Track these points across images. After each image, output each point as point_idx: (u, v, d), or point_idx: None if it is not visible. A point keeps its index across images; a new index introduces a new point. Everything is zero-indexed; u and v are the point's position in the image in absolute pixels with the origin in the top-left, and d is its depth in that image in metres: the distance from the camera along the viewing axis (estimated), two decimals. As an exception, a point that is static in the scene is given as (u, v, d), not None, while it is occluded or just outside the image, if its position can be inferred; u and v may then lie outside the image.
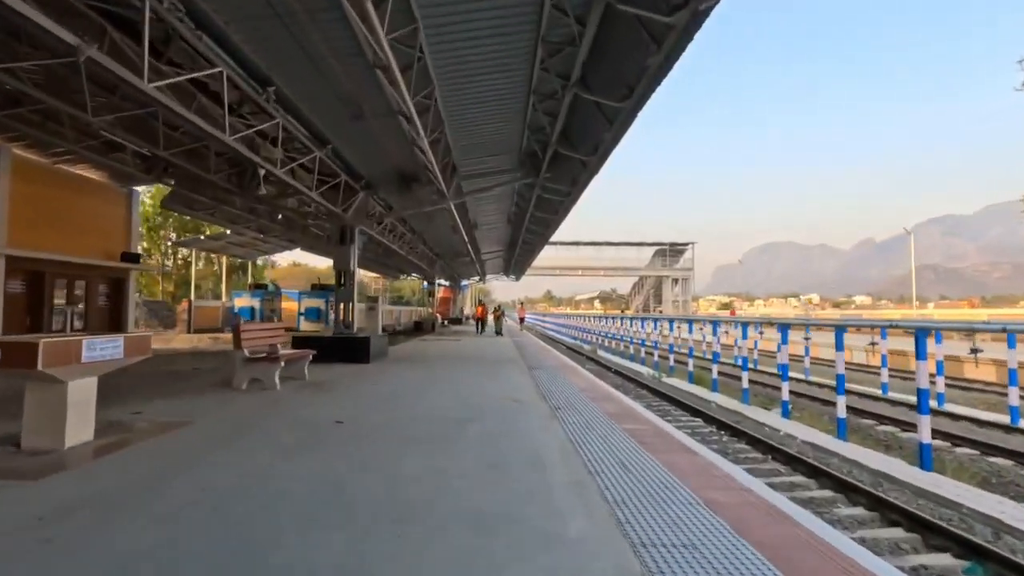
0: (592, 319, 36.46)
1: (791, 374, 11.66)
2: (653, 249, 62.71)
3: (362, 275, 77.52)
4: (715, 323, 17.87)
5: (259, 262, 43.51)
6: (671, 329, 21.76)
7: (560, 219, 17.13)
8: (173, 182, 12.72)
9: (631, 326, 30.26)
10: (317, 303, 19.22)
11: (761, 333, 22.25)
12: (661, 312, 63.10)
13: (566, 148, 10.49)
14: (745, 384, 11.65)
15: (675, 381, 15.63)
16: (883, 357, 12.94)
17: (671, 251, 62.22)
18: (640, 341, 22.93)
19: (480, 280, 45.88)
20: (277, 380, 7.04)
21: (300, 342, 11.07)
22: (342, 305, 11.75)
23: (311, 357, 8.14)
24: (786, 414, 9.83)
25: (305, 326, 19.34)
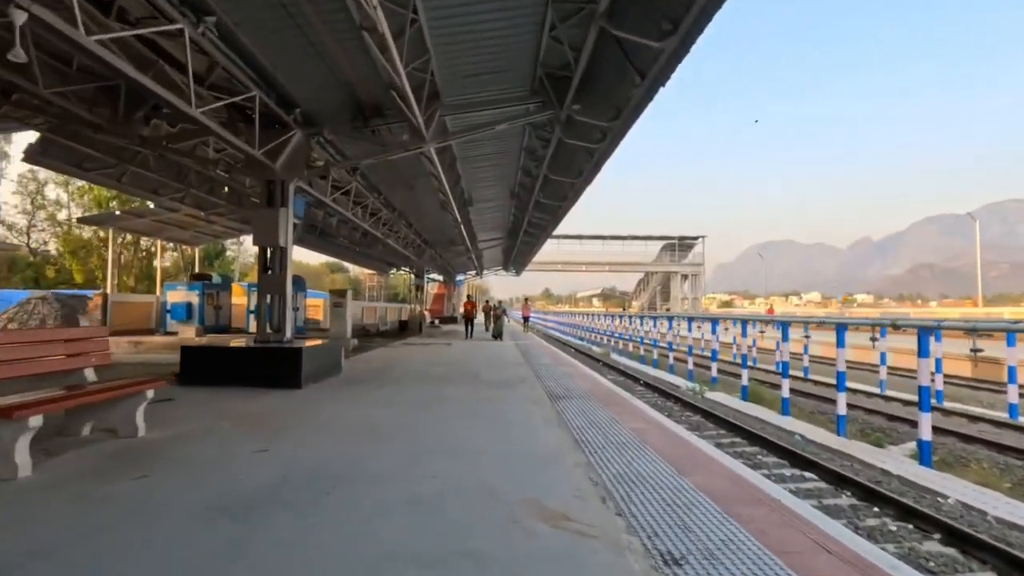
0: (600, 318, 32.76)
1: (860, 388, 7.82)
2: (660, 245, 58.98)
3: (357, 271, 73.01)
4: (745, 322, 14.10)
5: (230, 253, 39.84)
6: (689, 329, 18.20)
7: (580, 187, 13.32)
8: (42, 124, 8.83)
9: (643, 325, 26.57)
10: (188, 298, 14.62)
11: (808, 337, 18.47)
12: (668, 310, 59.45)
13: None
14: (842, 409, 7.92)
15: (722, 397, 11.95)
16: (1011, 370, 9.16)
17: (680, 245, 58.46)
18: (667, 344, 19.33)
19: (477, 275, 42.02)
20: (19, 456, 3.17)
21: (194, 355, 7.21)
22: (269, 300, 7.90)
23: (149, 395, 4.25)
24: (928, 461, 6.14)
25: (176, 329, 14.97)
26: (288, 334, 7.94)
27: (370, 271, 61.27)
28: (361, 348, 14.27)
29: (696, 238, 58.53)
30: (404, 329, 21.58)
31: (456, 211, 15.10)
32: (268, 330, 7.85)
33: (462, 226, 17.05)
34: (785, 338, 10.74)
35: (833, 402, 9.01)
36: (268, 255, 7.84)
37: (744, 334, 13.56)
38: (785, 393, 10.25)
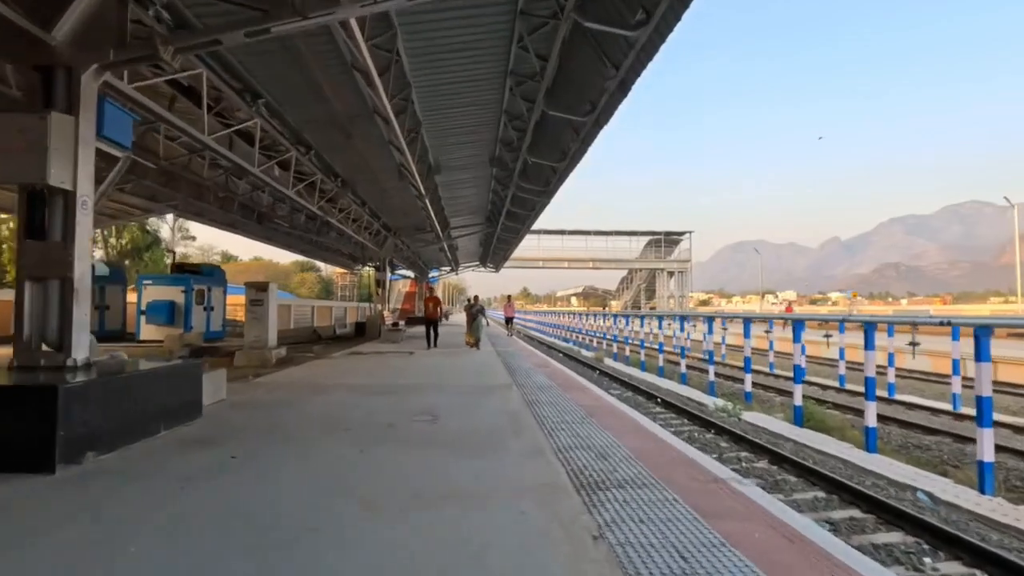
0: (589, 318, 29.40)
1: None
2: (645, 241, 56.04)
3: (331, 271, 67.69)
4: (799, 324, 10.93)
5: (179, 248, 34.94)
6: (710, 331, 15.13)
7: (574, 154, 9.94)
8: None
9: (641, 326, 23.20)
10: (171, 293, 11.16)
11: (828, 337, 15.41)
12: (653, 308, 56.55)
13: None
14: (987, 454, 4.70)
15: (763, 419, 8.73)
16: None
17: (666, 241, 55.59)
18: (678, 349, 16.21)
19: (452, 271, 38.28)
20: None
21: None
22: (32, 291, 4.17)
23: None
24: None
25: (150, 334, 11.39)
26: (81, 353, 4.23)
27: (341, 270, 56.85)
28: (288, 360, 10.56)
29: (683, 233, 55.74)
30: (360, 333, 17.82)
31: (419, 181, 11.49)
32: (37, 346, 4.13)
33: (427, 202, 13.41)
34: (796, 338, 7.46)
35: (922, 429, 5.68)
36: (32, 204, 4.11)
37: (796, 339, 10.26)
38: (871, 422, 7.05)
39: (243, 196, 14.12)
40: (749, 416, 9.89)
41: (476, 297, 13.43)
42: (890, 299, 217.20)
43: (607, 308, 72.59)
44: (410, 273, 37.54)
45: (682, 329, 17.93)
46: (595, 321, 28.64)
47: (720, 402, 11.11)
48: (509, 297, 22.18)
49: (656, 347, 17.79)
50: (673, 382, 14.62)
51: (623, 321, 27.50)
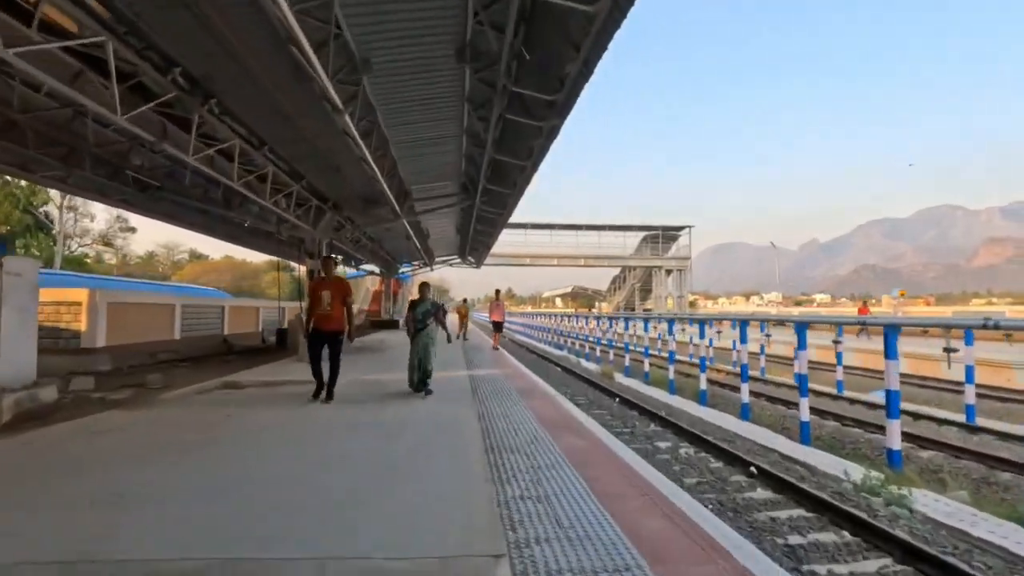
0: (590, 321, 24.52)
1: None
2: (640, 237, 51.36)
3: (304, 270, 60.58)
4: (891, 332, 6.02)
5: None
6: (743, 338, 10.35)
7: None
8: None
9: (646, 331, 18.35)
10: None
11: (951, 352, 10.63)
12: (649, 311, 51.97)
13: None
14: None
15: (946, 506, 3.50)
16: None
17: (664, 236, 50.98)
18: (739, 367, 11.32)
19: (426, 265, 33.01)
20: None
21: None
22: None
23: None
24: None
25: None
26: None
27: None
28: (43, 414, 5.35)
29: (681, 228, 51.18)
30: (282, 344, 12.59)
31: (350, 125, 6.47)
32: None
33: (364, 150, 8.30)
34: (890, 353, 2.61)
35: None
36: None
37: (891, 353, 5.58)
38: None
39: (145, 166, 8.93)
40: (922, 498, 5.08)
41: (425, 286, 7.34)
42: (873, 300, 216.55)
43: (598, 309, 67.79)
44: (375, 268, 32.22)
45: (702, 335, 13.08)
46: (592, 325, 23.75)
47: (855, 470, 6.25)
48: (498, 294, 16.64)
49: (666, 356, 12.89)
50: (727, 416, 9.77)
51: (622, 324, 22.61)
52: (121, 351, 10.15)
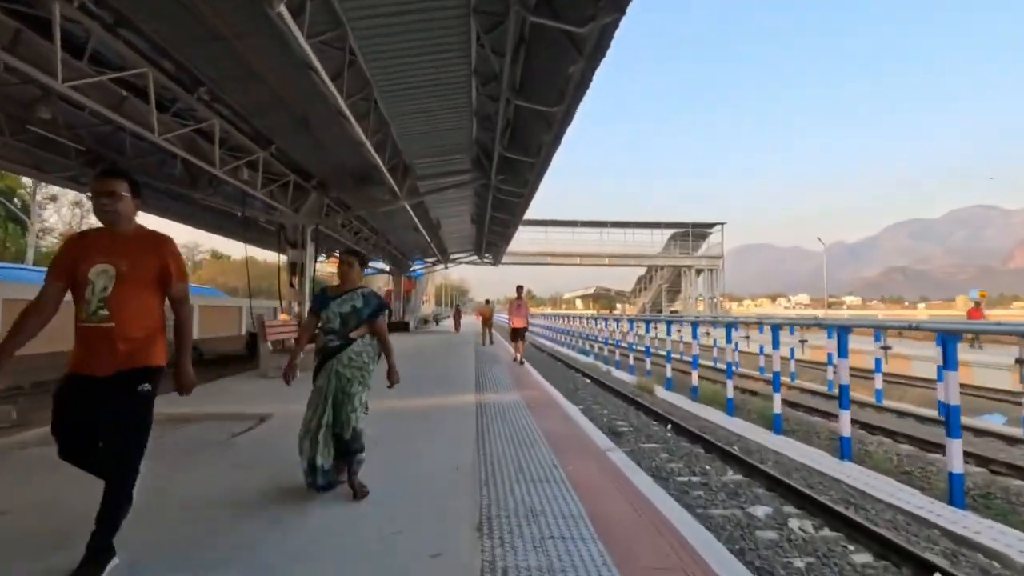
0: (623, 325, 21.85)
1: None
2: (668, 235, 48.22)
3: (322, 271, 57.72)
4: None
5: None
6: (842, 350, 7.29)
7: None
8: None
9: (695, 337, 15.56)
10: None
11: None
12: (676, 312, 48.83)
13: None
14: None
15: None
16: None
17: (694, 234, 47.81)
18: (840, 387, 8.30)
19: (441, 263, 30.55)
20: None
21: None
22: None
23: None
24: None
25: None
26: None
27: (333, 268, 48.68)
28: None
29: (713, 225, 47.97)
30: (252, 352, 10.17)
31: (307, 51, 3.96)
32: None
33: (336, 94, 5.78)
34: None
35: None
36: None
37: None
38: None
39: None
40: None
41: (352, 256, 3.36)
42: (906, 303, 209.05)
43: (621, 310, 64.68)
44: (385, 266, 29.88)
45: (776, 344, 10.20)
46: (624, 329, 21.03)
47: None
48: (520, 291, 12.67)
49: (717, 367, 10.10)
50: (820, 453, 7.02)
51: (661, 328, 19.84)
52: (26, 363, 7.80)
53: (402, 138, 9.77)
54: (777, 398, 9.07)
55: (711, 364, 17.55)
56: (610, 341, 23.92)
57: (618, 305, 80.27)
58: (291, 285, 11.68)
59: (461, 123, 9.53)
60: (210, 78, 6.70)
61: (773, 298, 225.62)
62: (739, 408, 10.56)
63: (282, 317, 10.53)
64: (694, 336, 13.93)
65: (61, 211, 37.73)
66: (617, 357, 19.95)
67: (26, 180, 20.07)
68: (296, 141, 9.14)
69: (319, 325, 3.24)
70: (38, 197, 35.54)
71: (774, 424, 8.95)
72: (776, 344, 10.06)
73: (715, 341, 19.84)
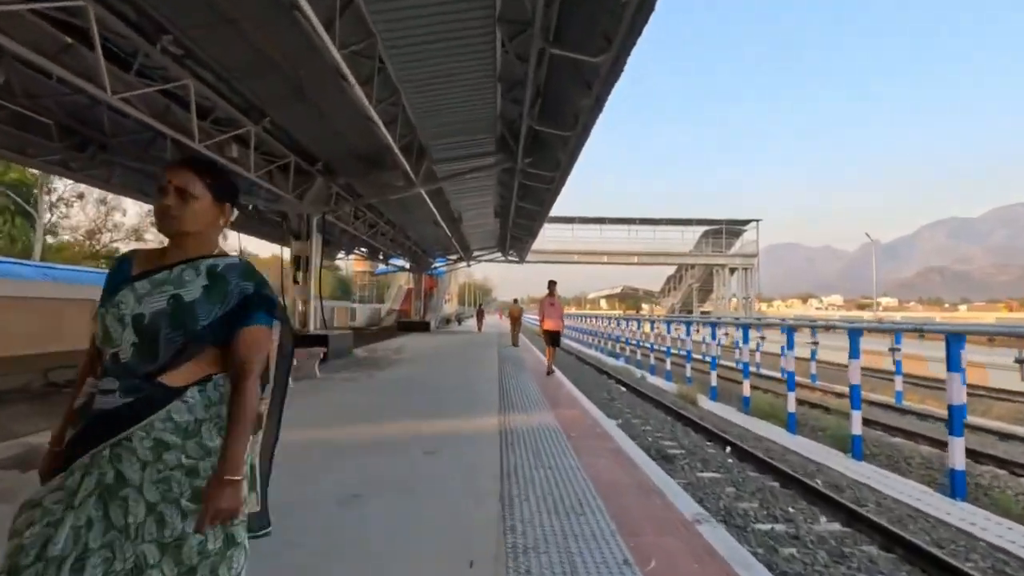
0: (661, 325, 20.40)
1: None
2: (699, 233, 46.15)
3: (350, 269, 54.95)
4: None
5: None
6: (953, 362, 5.43)
7: None
8: None
9: (745, 343, 13.82)
10: None
11: None
12: (707, 313, 46.69)
13: None
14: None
15: None
16: None
17: (728, 231, 45.65)
18: (950, 410, 6.57)
19: (463, 260, 29.31)
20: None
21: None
22: None
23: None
24: None
25: None
26: None
27: (361, 268, 47.78)
28: None
29: (747, 222, 45.74)
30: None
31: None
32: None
33: (333, 52, 4.47)
34: None
35: None
36: None
37: None
38: None
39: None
40: None
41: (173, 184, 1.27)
42: (947, 305, 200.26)
43: (649, 310, 62.53)
44: (405, 263, 28.75)
45: (855, 352, 8.52)
46: (659, 330, 19.51)
47: None
48: (553, 287, 9.70)
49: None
50: (923, 490, 5.42)
51: (705, 330, 18.19)
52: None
53: (415, 110, 8.44)
54: (857, 417, 7.53)
55: (743, 368, 15.84)
56: (643, 344, 22.30)
57: (644, 306, 77.95)
58: (295, 281, 10.49)
59: (484, 91, 8.14)
60: (169, 20, 5.43)
61: (804, 299, 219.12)
62: (800, 423, 9.14)
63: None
64: (744, 340, 12.28)
65: (87, 208, 37.71)
66: (652, 361, 18.39)
67: (33, 172, 19.41)
68: (292, 112, 7.88)
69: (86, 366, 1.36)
70: (64, 194, 35.52)
71: (852, 447, 7.47)
72: (855, 352, 8.40)
73: (757, 344, 18.13)
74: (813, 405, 11.97)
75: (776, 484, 6.39)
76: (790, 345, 10.20)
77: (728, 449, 8.05)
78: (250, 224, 12.61)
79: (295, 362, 6.38)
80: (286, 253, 10.58)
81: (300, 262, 10.41)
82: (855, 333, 8.51)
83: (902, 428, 9.60)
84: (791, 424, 9.35)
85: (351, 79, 6.08)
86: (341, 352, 10.99)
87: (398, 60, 6.96)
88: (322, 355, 8.03)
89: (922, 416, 10.93)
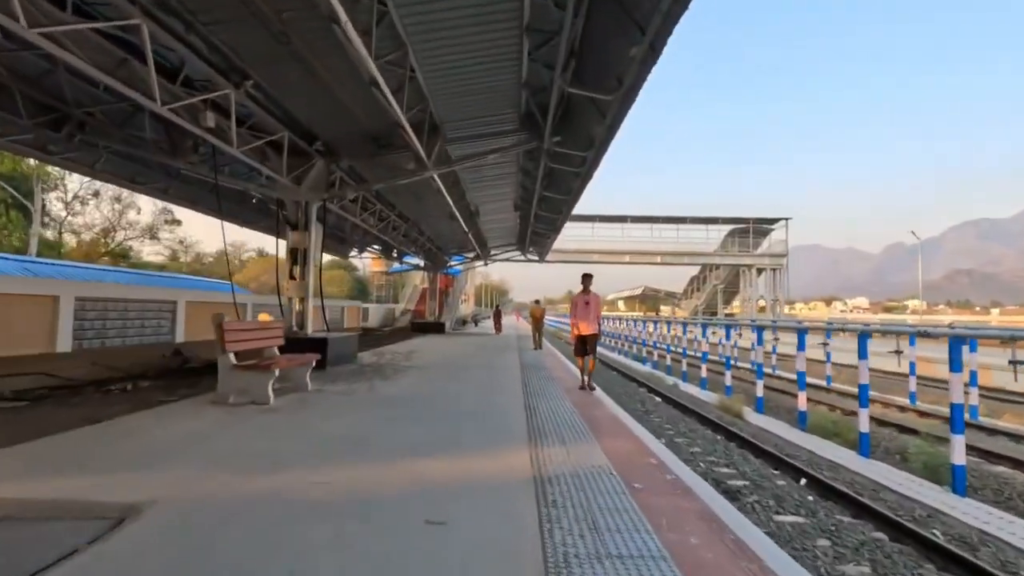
0: (696, 328, 18.97)
1: None
2: (725, 232, 44.25)
3: (367, 270, 54.49)
4: None
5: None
6: None
7: None
8: None
9: (801, 348, 12.29)
10: None
11: None
12: (732, 315, 44.74)
13: None
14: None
15: None
16: None
17: (755, 230, 43.70)
18: None
19: (480, 258, 28.00)
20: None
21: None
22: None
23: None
24: None
25: None
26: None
27: (378, 268, 46.80)
28: None
29: (776, 220, 43.77)
30: (186, 370, 7.75)
31: None
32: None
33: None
34: None
35: None
36: None
37: None
38: None
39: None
40: None
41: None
42: (978, 308, 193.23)
43: (671, 312, 60.51)
44: (420, 262, 27.51)
45: (955, 366, 7.42)
46: (694, 333, 18.04)
47: None
48: (588, 281, 7.69)
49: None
50: None
51: (751, 335, 16.67)
52: None
53: (426, 73, 7.10)
54: (959, 442, 6.09)
55: (799, 378, 14.25)
56: (674, 349, 20.76)
57: (663, 307, 75.60)
58: (291, 276, 9.24)
59: (507, 47, 6.77)
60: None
61: (828, 301, 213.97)
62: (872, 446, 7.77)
63: (262, 317, 8.06)
64: (801, 347, 10.72)
65: (102, 206, 37.26)
66: (683, 368, 16.90)
67: (30, 163, 18.57)
68: (280, 73, 6.59)
69: None
70: (80, 191, 35.02)
71: (954, 480, 6.08)
72: (957, 365, 6.82)
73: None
74: (881, 423, 10.47)
75: (884, 536, 4.97)
76: (863, 353, 8.66)
77: (803, 482, 6.61)
78: (240, 213, 11.41)
79: (277, 372, 5.01)
80: (282, 246, 9.34)
81: (297, 255, 9.15)
82: (958, 344, 6.94)
83: (995, 452, 8.13)
84: (864, 447, 7.92)
85: (343, 16, 4.77)
86: (343, 357, 9.72)
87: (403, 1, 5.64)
88: (314, 363, 6.73)
89: (1016, 438, 9.36)
